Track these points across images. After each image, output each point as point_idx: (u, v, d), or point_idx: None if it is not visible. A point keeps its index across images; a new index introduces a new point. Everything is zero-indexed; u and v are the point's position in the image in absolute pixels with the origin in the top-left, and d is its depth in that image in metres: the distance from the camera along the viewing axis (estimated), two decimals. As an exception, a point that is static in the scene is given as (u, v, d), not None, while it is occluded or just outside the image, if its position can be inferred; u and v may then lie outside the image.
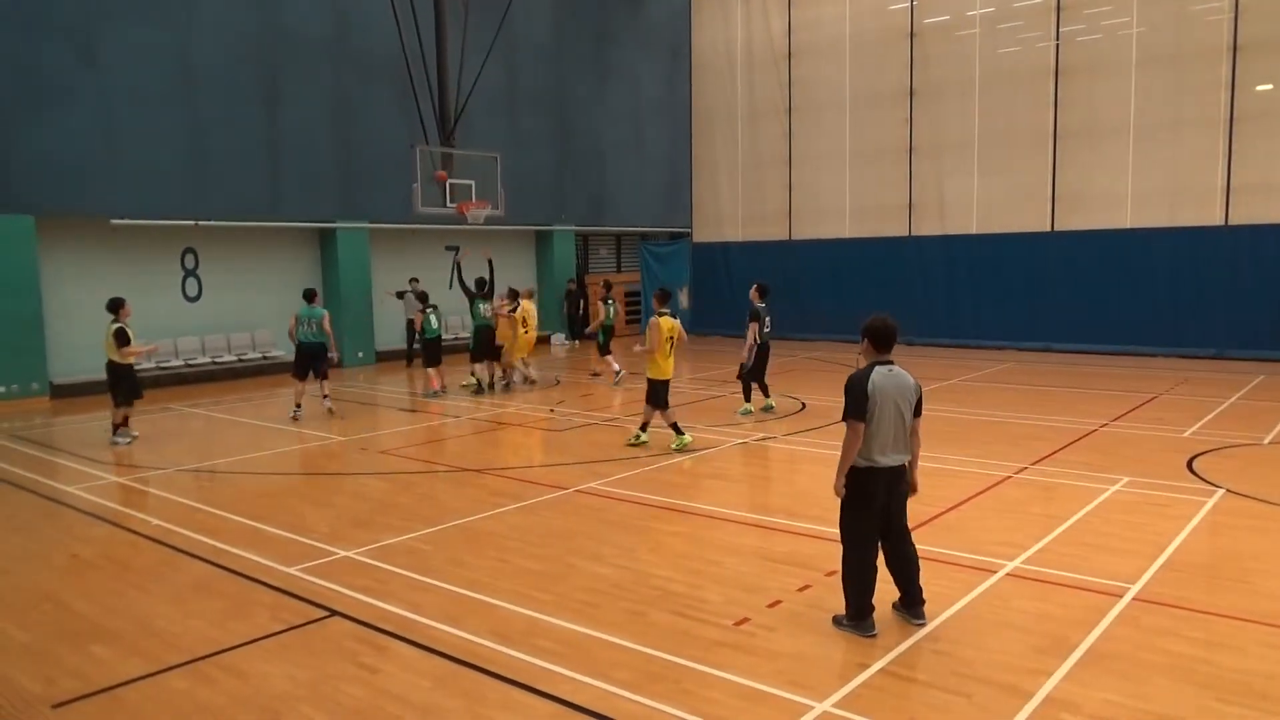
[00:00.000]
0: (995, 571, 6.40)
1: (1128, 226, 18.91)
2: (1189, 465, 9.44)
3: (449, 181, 17.94)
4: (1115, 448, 10.37)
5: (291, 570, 6.81)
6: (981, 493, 8.56)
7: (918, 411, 5.47)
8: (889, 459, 5.36)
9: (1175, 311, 18.40)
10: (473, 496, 8.90)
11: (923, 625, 5.44)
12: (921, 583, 5.58)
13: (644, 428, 11.01)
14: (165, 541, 7.64)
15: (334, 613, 5.97)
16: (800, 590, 6.15)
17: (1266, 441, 10.64)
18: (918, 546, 7.01)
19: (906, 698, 4.66)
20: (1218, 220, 17.99)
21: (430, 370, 15.80)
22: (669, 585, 6.32)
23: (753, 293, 12.93)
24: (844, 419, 5.39)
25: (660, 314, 10.82)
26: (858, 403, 5.30)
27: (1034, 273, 19.98)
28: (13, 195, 15.55)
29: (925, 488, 8.87)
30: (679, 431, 10.73)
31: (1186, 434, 11.04)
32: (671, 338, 10.78)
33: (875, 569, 5.44)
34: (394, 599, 6.17)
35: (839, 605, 5.88)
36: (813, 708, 4.55)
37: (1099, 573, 6.33)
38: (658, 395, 10.76)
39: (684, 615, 5.78)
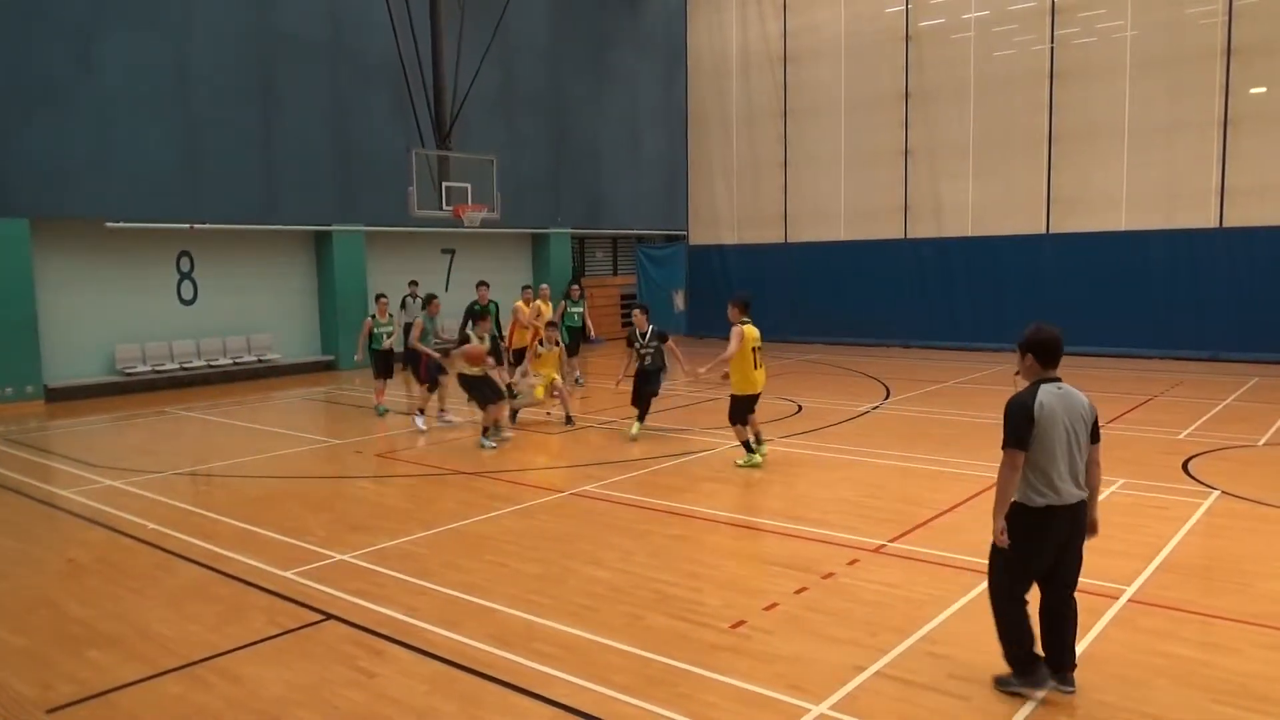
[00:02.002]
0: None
1: (1123, 229, 18.96)
2: (1185, 467, 9.46)
3: (445, 184, 17.95)
4: (1111, 449, 10.30)
5: (288, 574, 6.79)
6: (978, 495, 8.56)
7: (1095, 436, 4.64)
8: (1069, 495, 4.51)
9: (1170, 313, 18.44)
10: (469, 500, 8.89)
11: (1072, 693, 4.62)
12: (1076, 644, 4.77)
13: (751, 445, 9.91)
14: (161, 545, 7.62)
15: (330, 616, 5.96)
16: (797, 593, 6.15)
17: (1261, 443, 10.67)
18: (915, 549, 7.03)
19: (904, 700, 4.66)
20: (1212, 222, 18.04)
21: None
22: (667, 588, 6.31)
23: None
24: (1003, 448, 4.55)
25: (743, 323, 9.69)
26: (1019, 429, 4.50)
27: (1029, 275, 20.00)
28: (7, 198, 15.51)
29: (921, 490, 8.95)
30: (750, 449, 9.87)
31: (1182, 436, 11.07)
32: (755, 347, 9.73)
33: (1030, 623, 4.67)
34: (391, 603, 6.16)
35: (836, 608, 5.87)
36: (810, 710, 4.55)
37: (1095, 574, 6.31)
38: (741, 411, 9.78)
39: (682, 618, 5.77)
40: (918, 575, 6.45)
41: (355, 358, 14.64)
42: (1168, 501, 8.21)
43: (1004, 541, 4.55)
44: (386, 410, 14.13)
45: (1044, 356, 4.69)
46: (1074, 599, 4.70)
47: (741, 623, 5.67)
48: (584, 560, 6.97)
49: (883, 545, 7.12)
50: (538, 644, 5.43)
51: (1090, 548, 6.87)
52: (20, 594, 6.61)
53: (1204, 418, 12.19)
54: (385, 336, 14.11)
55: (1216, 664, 4.97)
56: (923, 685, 4.82)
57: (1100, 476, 4.75)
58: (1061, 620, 4.67)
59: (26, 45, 15.57)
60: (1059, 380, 4.67)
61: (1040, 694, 4.63)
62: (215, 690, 4.97)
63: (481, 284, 14.42)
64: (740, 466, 9.85)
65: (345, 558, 7.16)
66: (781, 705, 4.62)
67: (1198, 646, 5.20)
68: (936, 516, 7.87)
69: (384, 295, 14.59)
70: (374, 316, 14.23)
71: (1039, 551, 4.56)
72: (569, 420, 12.76)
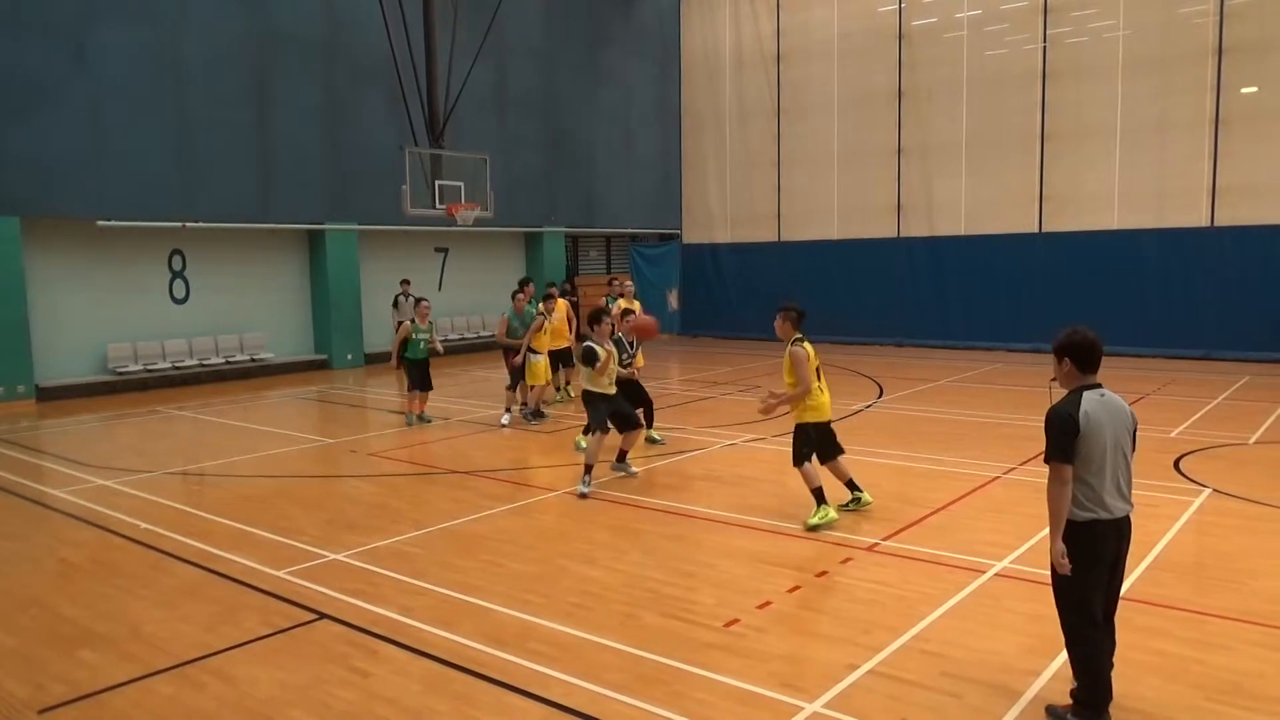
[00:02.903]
0: (984, 572, 6.41)
1: (1115, 228, 19.02)
2: (1176, 465, 9.50)
3: (439, 183, 17.91)
4: (1103, 448, 10.40)
5: (281, 573, 6.78)
6: (970, 493, 8.58)
7: (1134, 445, 4.43)
8: (1118, 509, 4.28)
9: (1162, 312, 18.50)
10: (463, 499, 8.88)
11: None
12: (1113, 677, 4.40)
13: (853, 489, 8.03)
14: (153, 545, 7.60)
15: (324, 616, 5.94)
16: (791, 591, 6.16)
17: (1252, 441, 10.71)
18: (908, 548, 7.04)
19: (897, 698, 4.67)
20: (1204, 222, 18.11)
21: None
22: (660, 587, 6.32)
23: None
24: (1047, 461, 4.32)
25: (799, 340, 7.78)
26: (1062, 440, 4.24)
27: (1022, 274, 20.07)
28: (-2, 196, 15.46)
29: (914, 489, 8.97)
30: (849, 493, 8.03)
31: (1173, 434, 11.11)
32: (817, 366, 7.82)
33: (1109, 644, 4.38)
34: (384, 602, 6.15)
35: (830, 606, 5.88)
36: (804, 708, 4.56)
37: (1088, 573, 6.35)
38: (811, 443, 7.73)
39: (676, 617, 5.78)
40: (911, 574, 6.47)
41: (392, 364, 13.34)
42: (1160, 500, 8.23)
43: (1064, 566, 4.24)
44: (430, 419, 13.13)
45: (1083, 361, 4.42)
46: (1113, 625, 4.47)
47: (735, 621, 5.68)
48: (578, 559, 6.97)
49: (876, 544, 7.13)
50: (532, 643, 5.43)
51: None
52: (11, 594, 6.58)
53: (1195, 416, 12.24)
54: (423, 344, 13.01)
55: (1209, 662, 4.99)
56: (916, 683, 4.83)
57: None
58: (1106, 632, 4.43)
59: (18, 41, 15.48)
60: (1100, 386, 4.42)
61: None
62: (208, 690, 4.96)
63: (526, 281, 14.31)
64: (814, 527, 7.49)
65: (339, 557, 7.15)
66: (775, 703, 4.63)
67: (1190, 644, 5.22)
68: (930, 515, 7.89)
69: (425, 300, 13.48)
70: (413, 321, 13.05)
71: (1088, 567, 4.26)
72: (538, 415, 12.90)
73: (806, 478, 7.63)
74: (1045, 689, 4.69)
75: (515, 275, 24.78)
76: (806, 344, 7.77)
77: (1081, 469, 4.26)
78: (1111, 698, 4.34)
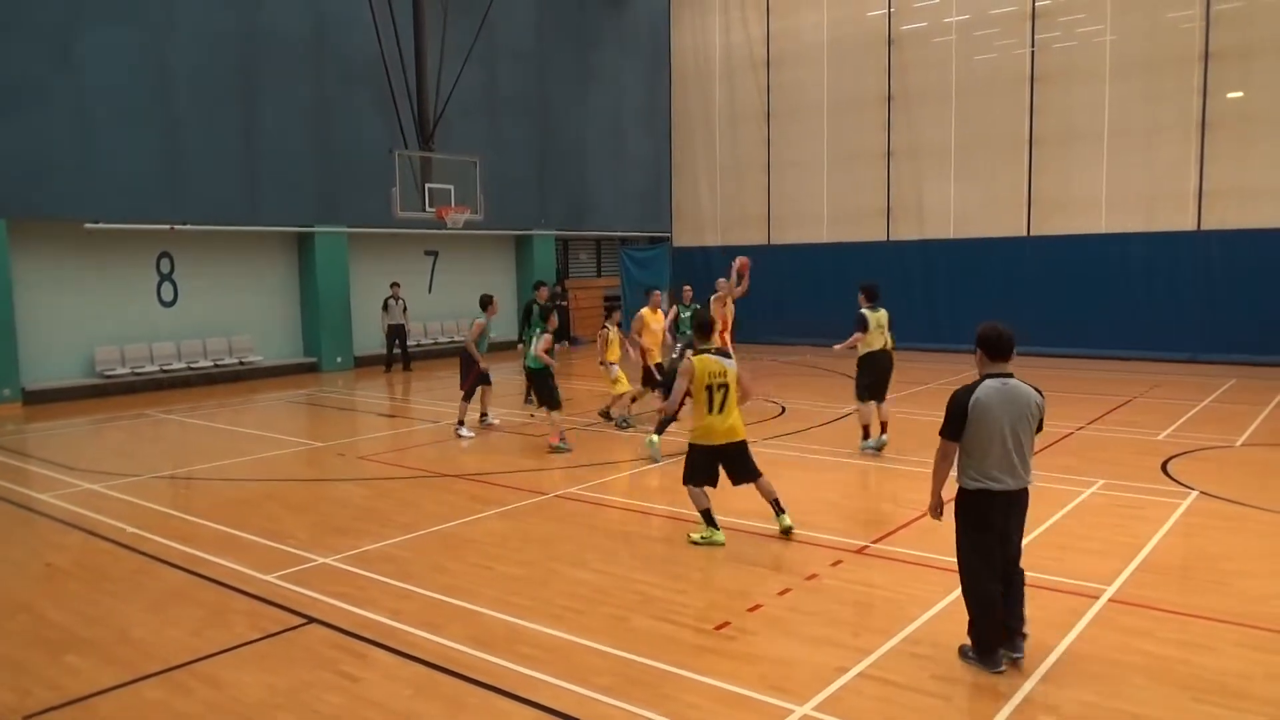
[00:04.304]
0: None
1: (1103, 231, 19.12)
2: (1163, 468, 9.55)
3: (428, 185, 17.90)
4: (1090, 451, 10.47)
5: (269, 577, 6.75)
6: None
7: (1039, 427, 4.95)
8: (1006, 483, 4.85)
9: (1149, 315, 18.60)
10: (453, 502, 8.86)
11: (1019, 660, 4.93)
12: (1026, 614, 5.05)
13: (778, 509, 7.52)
14: (141, 549, 7.56)
15: (312, 620, 5.92)
16: (780, 594, 6.17)
17: (1239, 444, 10.78)
18: (898, 550, 7.06)
19: (886, 700, 4.68)
20: (1191, 225, 18.22)
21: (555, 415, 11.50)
22: (650, 590, 6.31)
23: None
24: (939, 435, 4.99)
25: (700, 350, 7.34)
26: (952, 420, 4.89)
27: (1010, 277, 20.14)
28: (-16, 199, 15.37)
29: (903, 491, 8.99)
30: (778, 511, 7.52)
31: (1161, 437, 11.17)
32: (710, 385, 7.14)
33: (998, 599, 4.92)
34: (373, 606, 6.13)
35: (819, 609, 5.90)
36: (793, 711, 4.57)
37: (1075, 575, 6.39)
38: (691, 464, 7.39)
39: (665, 620, 5.78)
40: (900, 576, 6.48)
41: (483, 367, 12.39)
42: (1146, 502, 8.28)
43: (935, 516, 5.16)
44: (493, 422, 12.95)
45: (991, 351, 4.96)
46: (1021, 575, 5.06)
47: (725, 624, 5.68)
48: (567, 562, 6.97)
49: (866, 546, 7.15)
50: (521, 646, 5.42)
51: (1070, 547, 6.98)
52: (-3, 599, 6.54)
53: (1182, 419, 12.30)
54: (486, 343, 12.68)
55: (1195, 662, 5.02)
56: (905, 686, 4.84)
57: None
58: (1009, 587, 4.99)
59: (4, 43, 15.40)
60: (1007, 375, 4.91)
61: (995, 673, 4.87)
62: (196, 695, 4.93)
63: (540, 284, 14.51)
64: (695, 542, 7.27)
65: (327, 561, 7.12)
66: (765, 706, 4.64)
67: (1176, 645, 5.25)
68: (919, 517, 7.90)
69: (493, 296, 12.99)
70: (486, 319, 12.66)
71: (981, 529, 4.92)
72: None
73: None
74: (1034, 690, 4.71)
75: (505, 278, 24.84)
76: (703, 358, 7.20)
77: (972, 446, 4.89)
78: (1001, 642, 4.90)
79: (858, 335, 10.39)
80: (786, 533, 7.34)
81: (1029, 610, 5.78)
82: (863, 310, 10.47)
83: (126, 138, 16.85)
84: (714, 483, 7.32)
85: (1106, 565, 6.54)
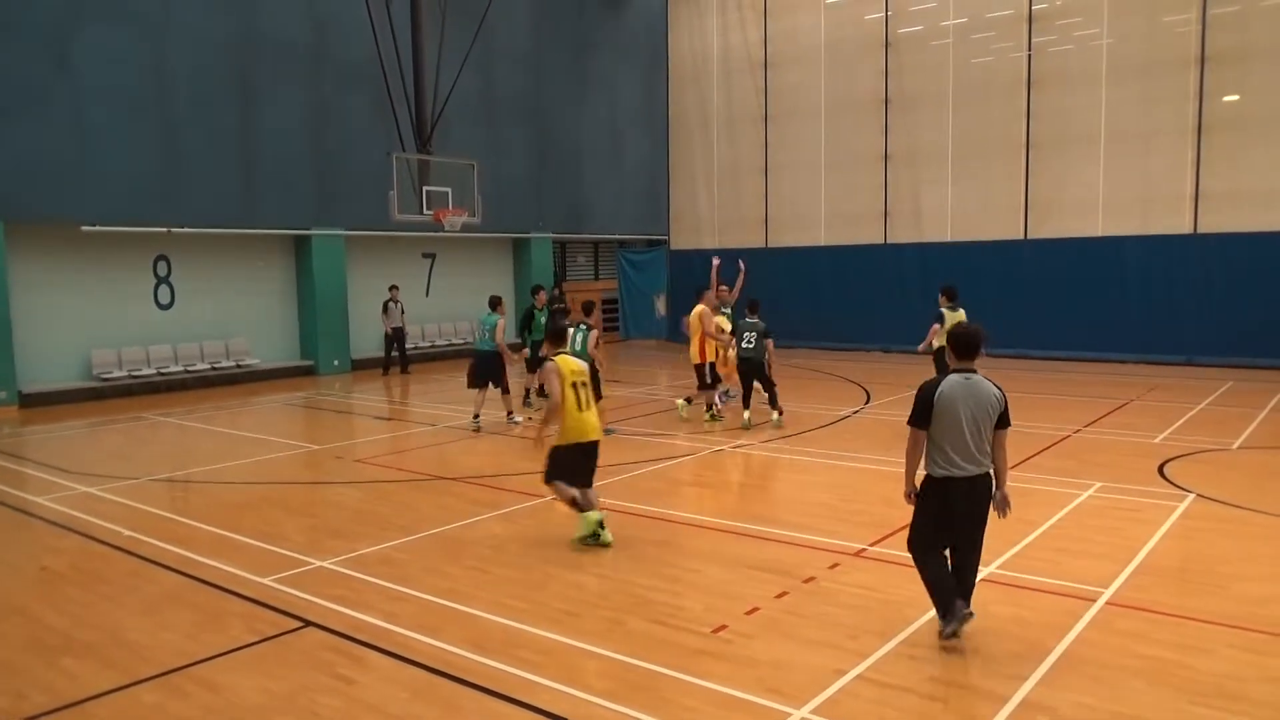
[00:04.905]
0: (971, 577, 6.44)
1: (1099, 234, 19.15)
2: (1160, 470, 9.56)
3: (426, 188, 17.90)
4: (1087, 453, 10.48)
5: (266, 581, 6.74)
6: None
7: (1003, 422, 5.31)
8: (965, 469, 5.24)
9: (1146, 318, 18.64)
10: (450, 505, 8.85)
11: (968, 618, 5.31)
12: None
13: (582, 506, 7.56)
14: (137, 553, 7.54)
15: (309, 623, 5.91)
16: (778, 597, 6.16)
17: (1235, 446, 10.79)
18: (895, 554, 7.06)
19: (883, 704, 4.68)
20: (1187, 228, 18.26)
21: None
22: (648, 593, 6.31)
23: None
24: (908, 424, 5.41)
25: (558, 352, 7.65)
26: (918, 411, 5.32)
27: (1007, 280, 20.15)
28: (-19, 201, 15.34)
29: (900, 494, 8.95)
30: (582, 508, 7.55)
31: (1157, 439, 11.18)
32: (575, 384, 7.41)
33: (947, 569, 5.38)
34: (370, 609, 6.12)
35: (817, 612, 5.92)
36: (791, 714, 4.56)
37: (1072, 577, 6.40)
38: (555, 461, 7.55)
39: (663, 623, 5.77)
40: (898, 579, 6.47)
41: (516, 359, 13.17)
42: (1144, 505, 8.29)
43: (910, 501, 5.50)
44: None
45: (958, 350, 5.41)
46: (977, 556, 5.45)
47: (722, 627, 5.68)
48: (564, 565, 6.96)
49: (863, 549, 7.15)
50: (518, 649, 5.41)
51: (1067, 550, 6.98)
52: (-7, 602, 6.52)
53: (1179, 421, 12.32)
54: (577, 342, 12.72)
55: (1192, 665, 5.02)
56: (902, 688, 4.84)
57: (1006, 458, 5.41)
58: (966, 560, 5.42)
59: (2, 45, 15.39)
60: (971, 371, 5.35)
61: (954, 628, 5.26)
62: (192, 699, 4.92)
63: (539, 288, 14.85)
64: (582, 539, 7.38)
65: (325, 564, 7.11)
66: (762, 709, 4.63)
67: (1173, 648, 5.25)
68: (916, 520, 7.90)
69: (543, 287, 13.45)
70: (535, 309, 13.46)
71: (942, 512, 5.31)
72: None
73: (557, 492, 7.51)
74: (1031, 693, 4.71)
75: (503, 281, 24.83)
76: (563, 358, 7.47)
77: (937, 435, 5.28)
78: (954, 609, 5.26)
79: (935, 329, 12.11)
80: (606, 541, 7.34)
81: (1023, 611, 5.83)
82: (942, 309, 12.24)
83: (124, 140, 16.83)
84: (583, 477, 7.45)
85: (1103, 568, 6.55)
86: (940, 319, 12.18)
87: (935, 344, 12.04)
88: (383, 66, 17.86)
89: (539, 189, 24.95)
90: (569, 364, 7.43)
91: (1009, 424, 5.34)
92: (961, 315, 11.97)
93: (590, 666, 5.17)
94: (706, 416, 12.89)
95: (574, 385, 7.36)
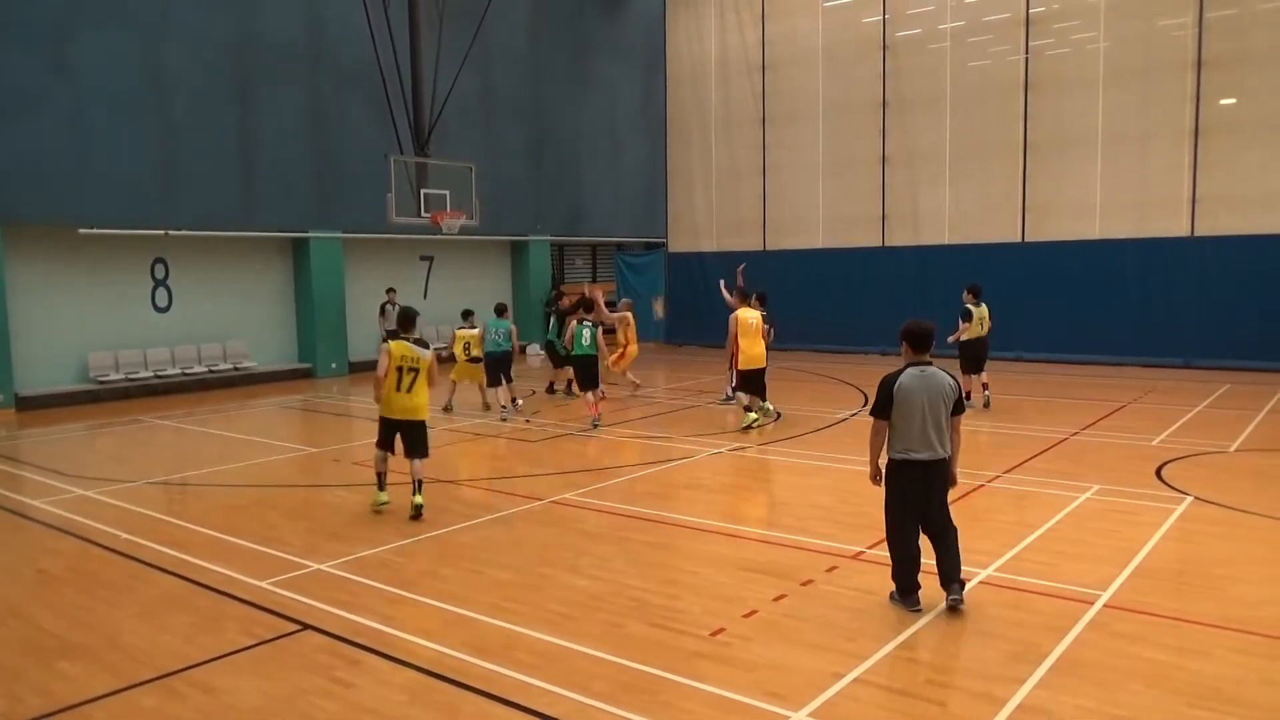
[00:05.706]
0: (967, 580, 6.43)
1: (1096, 237, 19.18)
2: (1158, 473, 9.57)
3: (424, 191, 17.89)
4: (1085, 456, 10.49)
5: (263, 584, 6.73)
6: (953, 502, 8.58)
7: (957, 409, 5.83)
8: (923, 454, 5.76)
9: (1143, 321, 18.66)
10: (447, 508, 8.84)
11: (958, 604, 5.76)
12: (962, 564, 5.96)
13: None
14: (134, 555, 7.53)
15: (307, 626, 5.91)
16: (776, 600, 6.16)
17: (1233, 449, 10.81)
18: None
19: (882, 706, 4.68)
20: (1184, 231, 18.29)
21: (589, 394, 13.09)
22: (645, 596, 6.31)
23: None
24: (870, 414, 5.92)
25: (401, 337, 8.64)
26: (879, 402, 5.83)
27: (1005, 283, 20.07)
28: (-22, 204, 15.31)
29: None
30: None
31: (1155, 442, 11.19)
32: (402, 367, 8.46)
33: (914, 553, 5.87)
34: (368, 612, 6.12)
35: (815, 615, 5.92)
36: (789, 717, 4.56)
37: (1070, 580, 6.40)
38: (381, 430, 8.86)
39: (661, 626, 5.77)
40: (895, 581, 6.48)
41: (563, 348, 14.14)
42: (1141, 507, 8.30)
43: (876, 483, 6.04)
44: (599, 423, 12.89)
45: (914, 344, 5.88)
46: (950, 529, 5.90)
47: (721, 630, 5.67)
48: (563, 568, 6.95)
49: (861, 552, 7.15)
50: (516, 652, 5.41)
51: (1064, 553, 6.99)
52: (-11, 605, 6.51)
53: (1176, 424, 12.33)
54: (585, 338, 13.19)
55: (1189, 668, 5.03)
56: (901, 691, 4.84)
57: (960, 441, 5.98)
58: (942, 544, 5.86)
59: (-1, 48, 15.40)
60: (927, 364, 5.84)
61: (912, 612, 5.78)
62: (189, 702, 4.91)
63: (560, 293, 15.96)
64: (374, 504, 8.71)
65: (322, 567, 7.10)
66: (761, 712, 4.63)
67: (1171, 650, 5.25)
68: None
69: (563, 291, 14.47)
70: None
71: (906, 489, 5.87)
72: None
73: (374, 460, 8.74)
74: (1029, 696, 4.71)
75: (501, 283, 24.86)
76: (400, 343, 8.48)
77: (897, 422, 5.79)
78: (917, 587, 5.88)
79: (964, 326, 13.23)
80: (417, 511, 8.33)
81: (1021, 613, 5.83)
82: (968, 306, 13.30)
83: (121, 142, 16.80)
84: (393, 449, 8.64)
85: (1101, 570, 6.55)
86: (967, 315, 13.29)
87: (964, 337, 13.23)
88: (381, 69, 17.86)
89: (537, 191, 24.96)
90: (404, 349, 8.44)
91: (962, 410, 5.91)
92: (985, 312, 13.33)
93: (588, 669, 5.17)
94: (753, 418, 12.49)
95: (399, 369, 8.41)
